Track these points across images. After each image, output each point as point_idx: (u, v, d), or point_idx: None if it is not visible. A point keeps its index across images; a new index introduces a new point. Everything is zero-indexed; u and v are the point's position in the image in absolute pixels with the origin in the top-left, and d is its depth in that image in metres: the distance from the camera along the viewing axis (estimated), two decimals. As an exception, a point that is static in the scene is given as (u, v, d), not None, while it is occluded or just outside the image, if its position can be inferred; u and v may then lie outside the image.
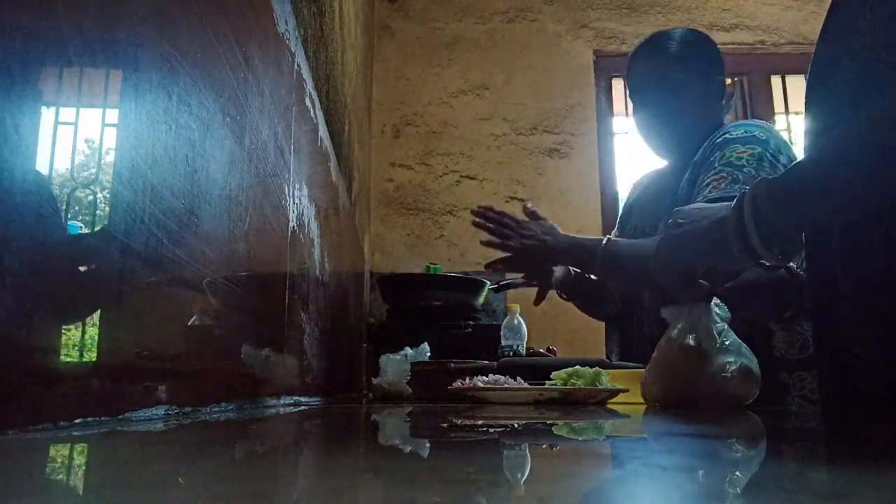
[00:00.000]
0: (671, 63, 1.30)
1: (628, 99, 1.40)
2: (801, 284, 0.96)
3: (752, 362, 0.86)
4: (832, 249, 0.74)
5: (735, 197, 0.82)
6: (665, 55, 1.31)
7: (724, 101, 1.31)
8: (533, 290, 1.45)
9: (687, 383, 0.85)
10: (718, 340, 0.85)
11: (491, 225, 1.32)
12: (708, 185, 1.13)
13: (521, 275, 1.42)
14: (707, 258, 0.80)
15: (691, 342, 0.85)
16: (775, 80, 3.02)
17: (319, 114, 1.26)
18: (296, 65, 1.03)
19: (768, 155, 1.14)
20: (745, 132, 1.19)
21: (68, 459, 0.33)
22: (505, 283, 1.74)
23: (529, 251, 1.26)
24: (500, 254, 1.31)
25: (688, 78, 1.29)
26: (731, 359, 0.84)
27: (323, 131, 1.31)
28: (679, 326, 0.88)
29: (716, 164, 1.15)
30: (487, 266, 1.37)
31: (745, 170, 1.11)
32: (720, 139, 1.20)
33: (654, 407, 0.90)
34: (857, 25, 0.70)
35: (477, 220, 1.35)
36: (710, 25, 3.03)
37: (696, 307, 0.86)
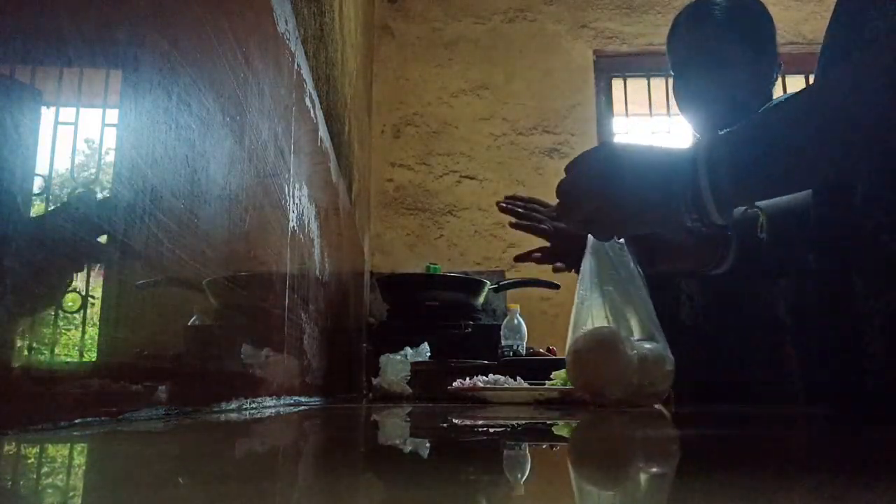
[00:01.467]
0: (719, 32, 1.18)
1: (670, 71, 1.27)
2: (729, 238, 0.85)
3: (661, 344, 0.82)
4: (847, 246, 0.69)
5: None
6: (711, 23, 1.19)
7: (775, 75, 1.22)
8: (533, 290, 1.45)
9: (598, 376, 0.82)
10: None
11: (521, 210, 1.20)
12: None
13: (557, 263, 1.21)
14: (649, 222, 0.70)
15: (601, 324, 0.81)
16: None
17: (319, 114, 1.26)
18: (296, 65, 1.03)
19: None
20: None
21: (68, 459, 0.33)
22: (505, 284, 1.73)
23: (564, 232, 1.12)
24: (526, 247, 1.20)
25: (738, 48, 1.18)
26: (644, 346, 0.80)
27: (323, 131, 1.31)
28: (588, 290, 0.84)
29: None
30: (518, 259, 1.22)
31: None
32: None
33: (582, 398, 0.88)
34: (867, 17, 0.66)
35: (504, 205, 1.22)
36: (710, 25, 3.03)
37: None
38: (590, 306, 0.85)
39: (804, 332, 1.03)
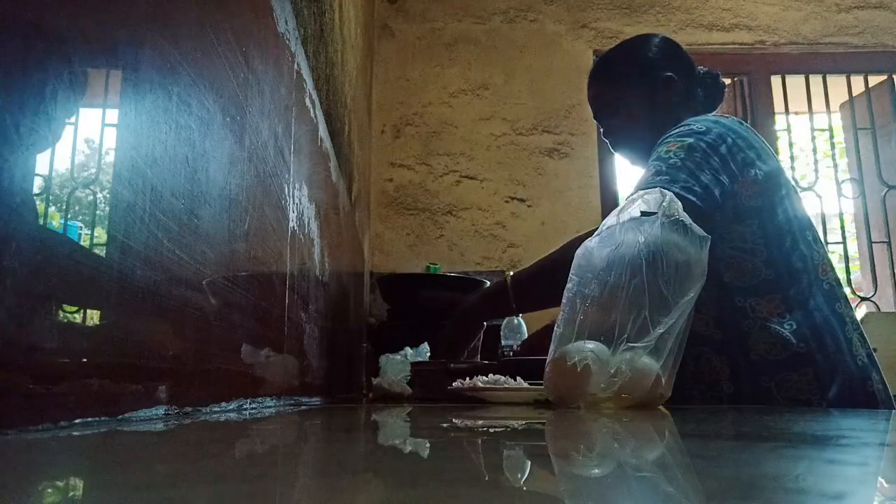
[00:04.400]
0: (599, 84, 1.38)
1: None
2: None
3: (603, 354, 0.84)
4: None
5: (654, 187, 1.01)
6: (593, 79, 1.39)
7: (674, 97, 1.29)
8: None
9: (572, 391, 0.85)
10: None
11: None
12: (639, 179, 1.13)
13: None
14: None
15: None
16: (775, 80, 3.02)
17: (319, 114, 1.26)
18: (296, 65, 1.03)
19: (702, 145, 1.11)
20: (685, 127, 1.16)
21: (68, 459, 0.33)
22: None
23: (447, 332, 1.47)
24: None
25: (618, 91, 1.32)
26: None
27: (323, 131, 1.31)
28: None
29: (650, 161, 1.15)
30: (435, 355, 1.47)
31: (670, 161, 1.09)
32: (661, 139, 1.18)
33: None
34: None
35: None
36: (710, 25, 3.03)
37: None
38: (567, 324, 0.89)
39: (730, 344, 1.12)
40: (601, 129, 1.39)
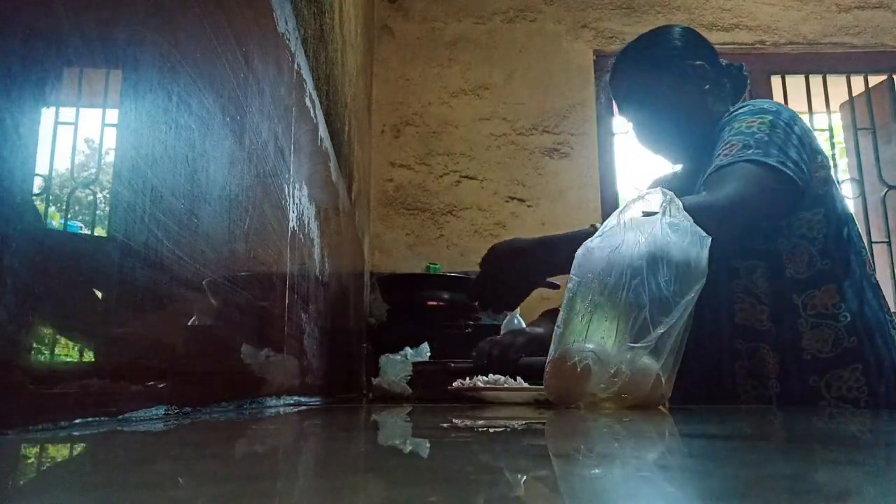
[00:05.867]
0: (626, 75, 1.29)
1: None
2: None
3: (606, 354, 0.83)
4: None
5: (747, 159, 1.00)
6: (619, 71, 1.31)
7: (707, 85, 1.23)
8: (533, 290, 1.45)
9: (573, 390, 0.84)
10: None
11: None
12: (717, 156, 1.07)
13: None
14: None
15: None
16: (775, 80, 3.02)
17: (319, 114, 1.26)
18: (296, 65, 1.03)
19: (781, 123, 1.07)
20: (753, 107, 1.13)
21: (68, 459, 0.33)
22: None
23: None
24: None
25: (647, 82, 1.25)
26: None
27: (323, 131, 1.31)
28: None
29: (725, 137, 1.09)
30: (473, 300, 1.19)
31: (756, 136, 1.05)
32: (727, 118, 1.14)
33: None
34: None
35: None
36: (710, 25, 3.03)
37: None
38: (567, 324, 0.89)
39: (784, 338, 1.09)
40: (631, 125, 1.31)
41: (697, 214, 0.89)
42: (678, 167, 1.37)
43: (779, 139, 1.04)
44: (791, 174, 1.01)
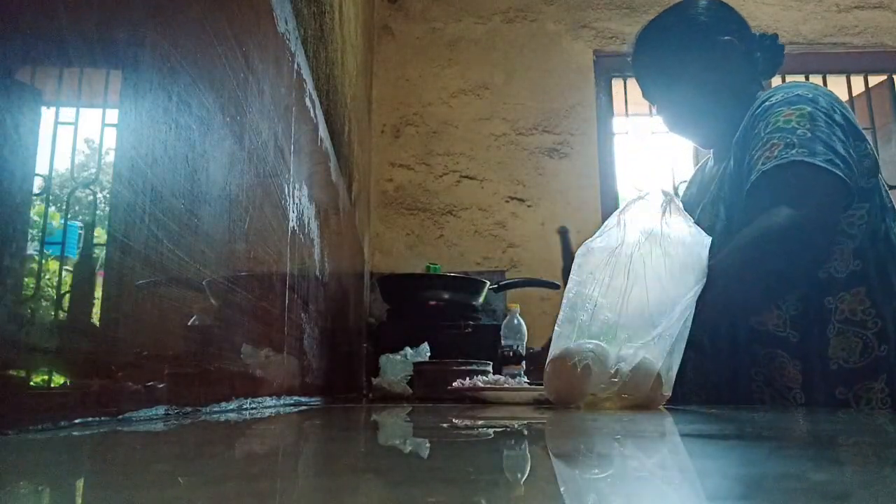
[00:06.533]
0: (650, 56, 1.20)
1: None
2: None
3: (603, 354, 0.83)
4: None
5: (791, 161, 0.92)
6: (642, 52, 1.22)
7: (736, 62, 1.15)
8: (533, 290, 1.45)
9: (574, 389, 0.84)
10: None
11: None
12: (759, 158, 0.98)
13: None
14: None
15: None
16: (775, 81, 3.01)
17: (319, 114, 1.26)
18: (296, 65, 1.03)
19: (821, 113, 0.98)
20: (787, 94, 1.03)
21: (68, 459, 0.33)
22: (505, 284, 1.73)
23: None
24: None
25: (673, 62, 1.16)
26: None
27: (323, 131, 1.31)
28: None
29: (762, 134, 1.00)
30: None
31: (798, 132, 0.96)
32: (759, 109, 1.05)
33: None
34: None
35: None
36: (710, 25, 3.03)
37: None
38: (566, 323, 0.89)
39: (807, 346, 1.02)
40: (657, 109, 1.24)
41: (758, 250, 0.90)
42: (705, 161, 1.30)
43: (822, 133, 0.96)
44: (841, 174, 0.93)
